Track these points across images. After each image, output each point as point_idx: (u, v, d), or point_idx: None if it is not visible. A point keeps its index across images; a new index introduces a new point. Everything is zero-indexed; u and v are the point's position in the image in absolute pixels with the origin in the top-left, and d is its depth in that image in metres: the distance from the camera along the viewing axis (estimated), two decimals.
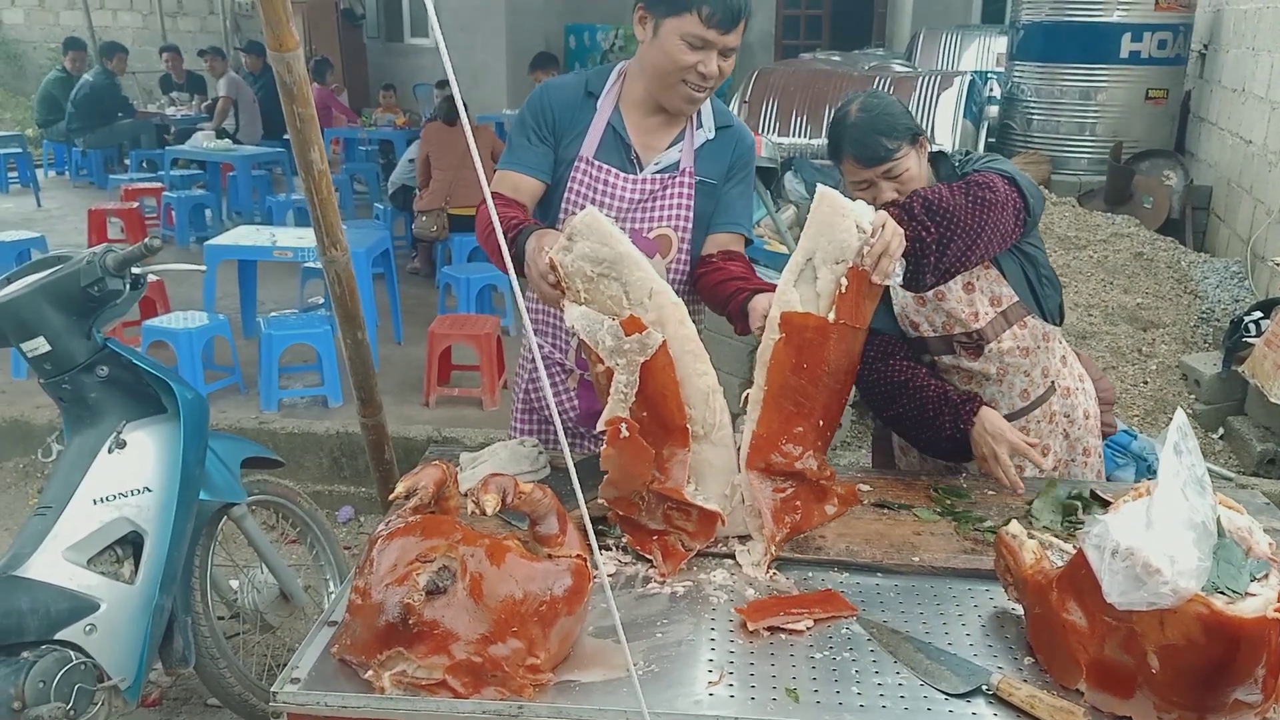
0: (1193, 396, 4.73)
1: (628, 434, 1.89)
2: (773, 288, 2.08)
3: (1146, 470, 3.93)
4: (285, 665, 1.65)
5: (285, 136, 9.94)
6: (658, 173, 2.32)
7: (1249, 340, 4.53)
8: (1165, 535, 1.46)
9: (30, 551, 2.40)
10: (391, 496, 1.65)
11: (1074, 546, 1.97)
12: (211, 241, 5.90)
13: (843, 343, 1.92)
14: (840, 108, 2.29)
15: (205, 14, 16.60)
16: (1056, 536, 2.00)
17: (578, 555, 1.69)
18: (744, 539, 2.00)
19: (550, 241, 1.99)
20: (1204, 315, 5.26)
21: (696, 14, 2.10)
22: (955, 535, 2.05)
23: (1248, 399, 4.67)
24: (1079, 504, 2.12)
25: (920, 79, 7.38)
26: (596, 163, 2.28)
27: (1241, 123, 6.11)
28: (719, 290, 2.24)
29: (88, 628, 2.40)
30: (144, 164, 10.75)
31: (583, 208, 2.26)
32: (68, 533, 2.43)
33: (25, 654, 2.33)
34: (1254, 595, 1.44)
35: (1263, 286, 5.46)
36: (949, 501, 2.19)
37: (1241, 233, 5.95)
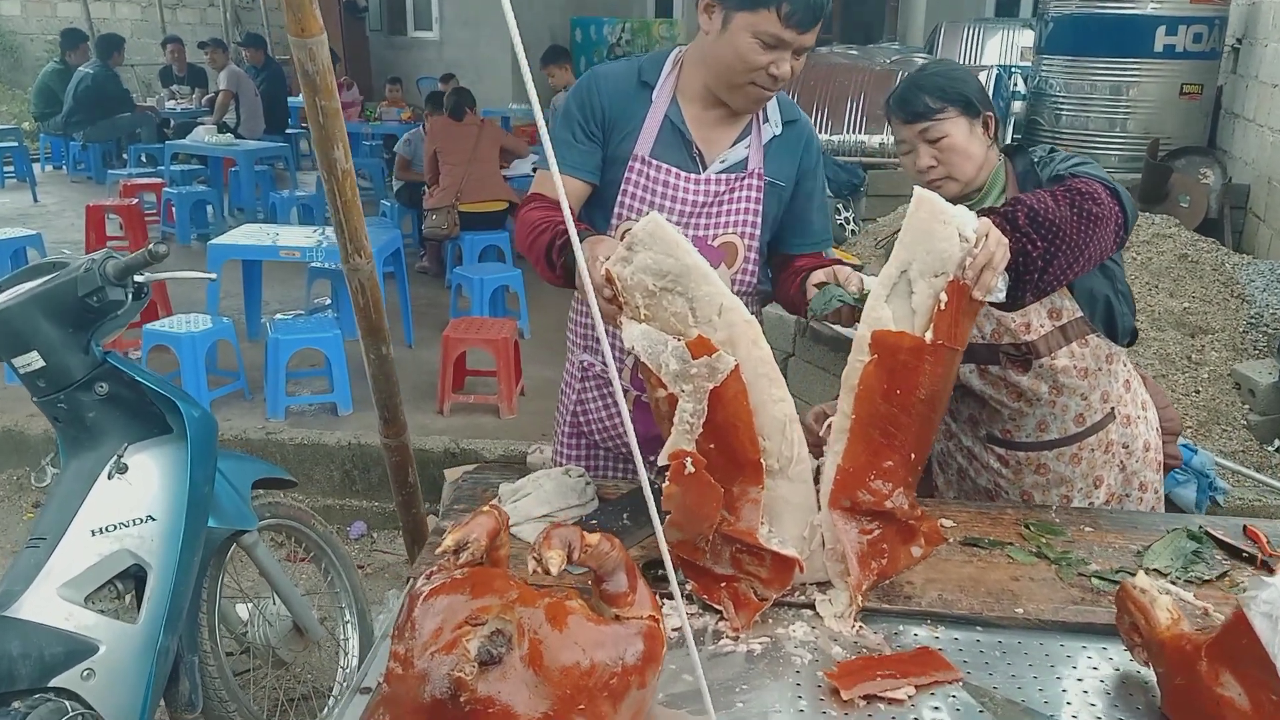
0: (1247, 407, 4.50)
1: (693, 469, 1.67)
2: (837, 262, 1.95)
3: (1209, 487, 3.72)
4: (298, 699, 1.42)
5: (287, 131, 9.76)
6: (723, 172, 2.09)
7: None
8: None
9: (22, 589, 2.17)
10: (439, 550, 1.42)
11: (1189, 594, 1.79)
12: (215, 241, 5.68)
13: (940, 366, 1.69)
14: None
15: (205, 6, 16.38)
16: (1174, 583, 1.79)
17: (650, 616, 1.47)
18: (823, 586, 1.78)
19: (606, 250, 1.77)
20: (1252, 320, 5.03)
21: (775, 11, 1.88)
22: (1059, 581, 1.83)
23: None
24: (1199, 545, 1.89)
25: None
26: (654, 162, 2.06)
27: None
28: (797, 293, 2.05)
29: (85, 673, 2.18)
30: (143, 159, 10.52)
31: (639, 212, 2.05)
32: (63, 568, 2.20)
33: (17, 704, 2.10)
34: None
35: None
36: (1044, 539, 1.97)
37: None
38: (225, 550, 2.59)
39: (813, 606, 1.75)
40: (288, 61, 15.77)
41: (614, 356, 2.22)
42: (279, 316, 6.31)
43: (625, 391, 2.23)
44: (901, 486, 1.74)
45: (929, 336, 1.65)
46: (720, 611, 1.73)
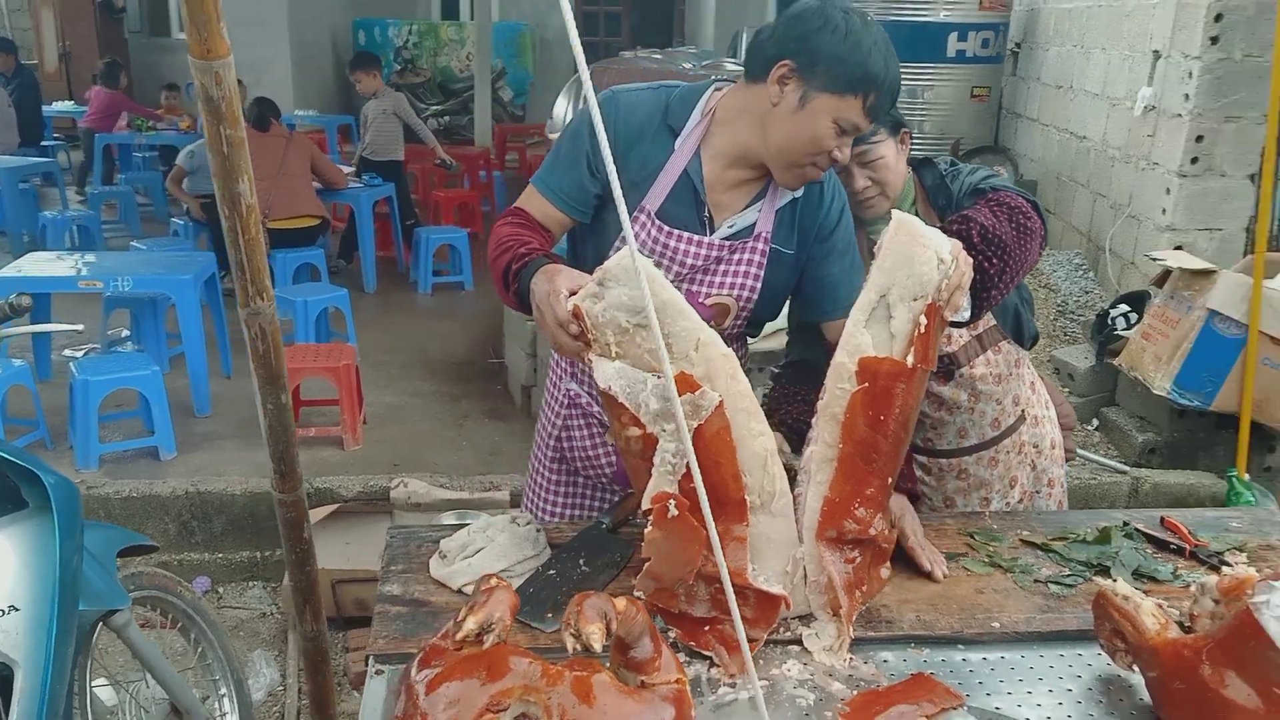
0: (1067, 390, 4.82)
1: (677, 512, 1.59)
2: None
3: None
4: None
5: (44, 144, 8.85)
6: (729, 238, 1.95)
7: (1120, 334, 4.65)
8: None
9: None
10: (460, 637, 1.27)
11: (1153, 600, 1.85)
12: (2, 273, 5.08)
13: (918, 388, 1.68)
14: None
15: None
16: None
17: (677, 680, 1.37)
18: (805, 619, 1.74)
19: (567, 282, 1.66)
20: (1060, 307, 5.40)
21: (862, 99, 1.76)
22: (1020, 590, 1.86)
23: (1118, 390, 4.81)
24: (1136, 544, 1.97)
25: None
26: (660, 224, 1.91)
27: (1071, 119, 6.35)
28: None
29: None
30: None
31: None
32: None
33: None
34: None
35: (1103, 277, 5.68)
36: (991, 548, 2.01)
37: (1079, 225, 6.18)
38: (93, 632, 2.29)
39: (799, 642, 1.70)
40: (38, 66, 14.44)
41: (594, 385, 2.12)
42: (73, 353, 5.74)
43: (606, 426, 2.13)
44: (881, 511, 1.72)
45: (910, 360, 1.64)
46: (709, 657, 1.65)
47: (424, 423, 5.03)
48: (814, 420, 1.71)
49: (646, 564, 1.64)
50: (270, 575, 3.89)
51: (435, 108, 15.63)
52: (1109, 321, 4.76)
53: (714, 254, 1.94)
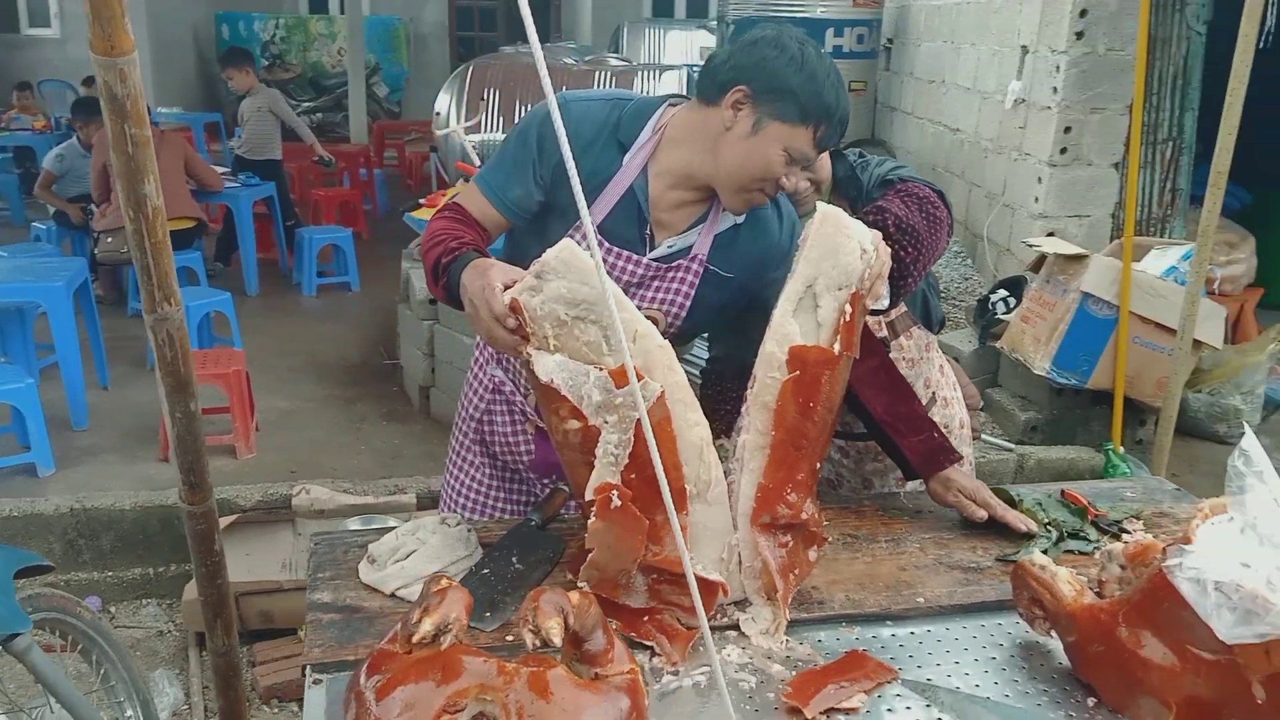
0: None
1: (620, 503, 1.60)
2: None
3: None
4: None
5: None
6: (663, 258, 1.96)
7: (1001, 317, 4.86)
8: (1274, 562, 1.40)
9: None
10: (416, 639, 1.26)
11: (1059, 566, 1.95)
12: None
13: (842, 375, 1.73)
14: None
15: None
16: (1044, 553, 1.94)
17: (630, 669, 1.39)
18: (740, 604, 1.77)
19: (500, 275, 1.65)
20: (942, 294, 5.60)
21: (813, 130, 1.80)
22: (940, 566, 1.94)
23: (1001, 371, 5.02)
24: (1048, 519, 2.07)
25: (639, 72, 7.38)
26: (599, 238, 1.92)
27: (945, 112, 6.58)
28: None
29: None
30: None
31: None
32: None
33: None
34: None
35: (982, 264, 5.91)
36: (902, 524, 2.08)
37: (957, 215, 6.40)
38: None
39: (737, 627, 1.73)
40: None
41: (518, 374, 2.12)
42: None
43: (527, 416, 2.14)
44: (810, 495, 1.76)
45: (837, 348, 1.68)
46: (650, 647, 1.67)
47: (319, 428, 4.92)
48: (744, 409, 1.75)
49: (590, 555, 1.65)
50: (165, 592, 3.76)
51: (307, 104, 15.25)
52: (989, 306, 4.96)
53: (648, 273, 1.96)
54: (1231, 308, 5.30)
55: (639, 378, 1.58)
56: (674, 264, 1.97)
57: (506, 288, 1.62)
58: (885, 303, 1.82)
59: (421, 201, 5.69)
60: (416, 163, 11.09)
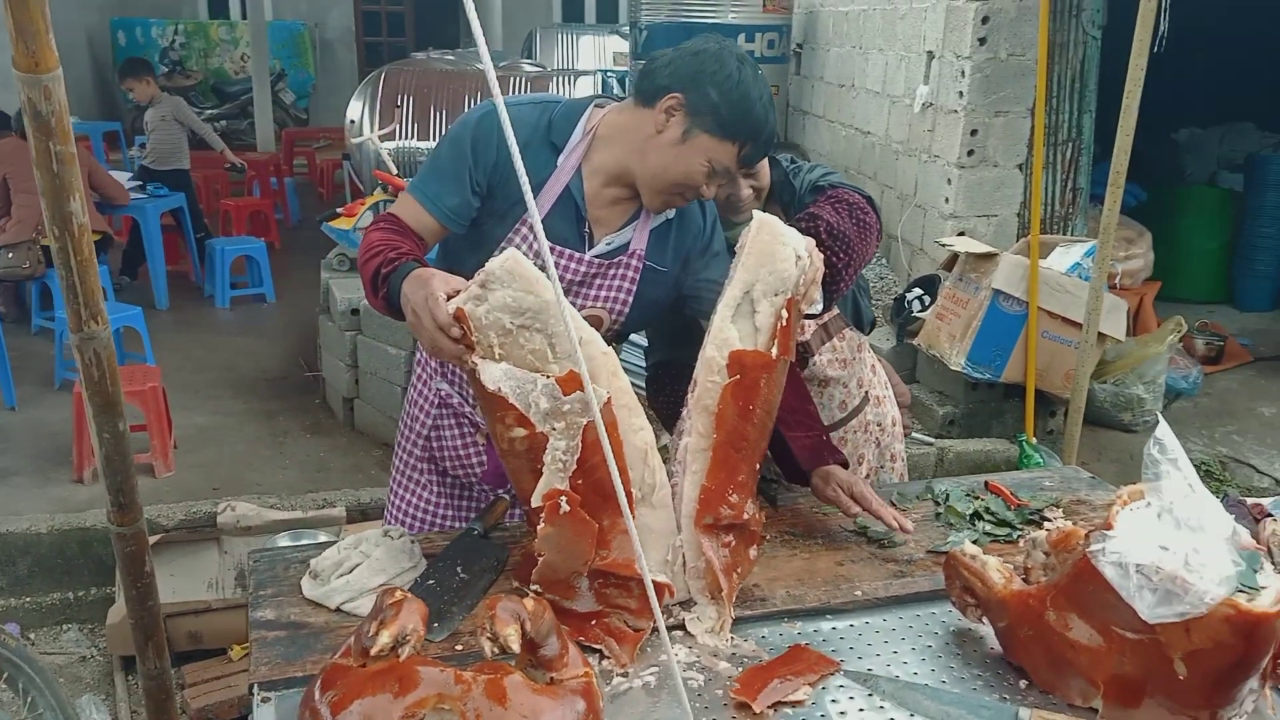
0: None
1: (569, 508, 1.63)
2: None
3: None
4: None
5: None
6: (604, 255, 2.01)
7: (917, 315, 4.99)
8: (1190, 544, 1.48)
9: None
10: (375, 652, 1.26)
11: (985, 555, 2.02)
12: None
13: (779, 378, 1.79)
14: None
15: None
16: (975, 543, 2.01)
17: (585, 672, 1.41)
18: (685, 604, 1.81)
19: (442, 285, 1.66)
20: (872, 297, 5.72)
21: (739, 147, 1.86)
22: (875, 559, 2.00)
23: (918, 368, 5.16)
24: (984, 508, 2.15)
25: (553, 78, 7.40)
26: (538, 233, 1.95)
27: (855, 115, 6.73)
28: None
29: None
30: None
31: None
32: None
33: None
34: (1265, 588, 1.50)
35: (896, 263, 6.06)
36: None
37: None
38: None
39: (683, 626, 1.77)
40: None
41: (464, 385, 2.12)
42: None
43: (478, 426, 2.14)
44: (750, 496, 1.81)
45: (774, 352, 1.73)
46: (599, 650, 1.70)
47: (241, 443, 4.82)
48: (685, 413, 1.78)
49: (541, 559, 1.67)
50: (86, 616, 3.65)
51: (211, 111, 14.86)
52: (905, 305, 5.09)
53: (590, 270, 2.00)
54: (1132, 301, 5.53)
55: (581, 385, 1.62)
56: (615, 260, 2.01)
57: (450, 297, 1.64)
58: (819, 307, 1.88)
59: (339, 211, 5.61)
60: (328, 170, 10.93)
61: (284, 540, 3.35)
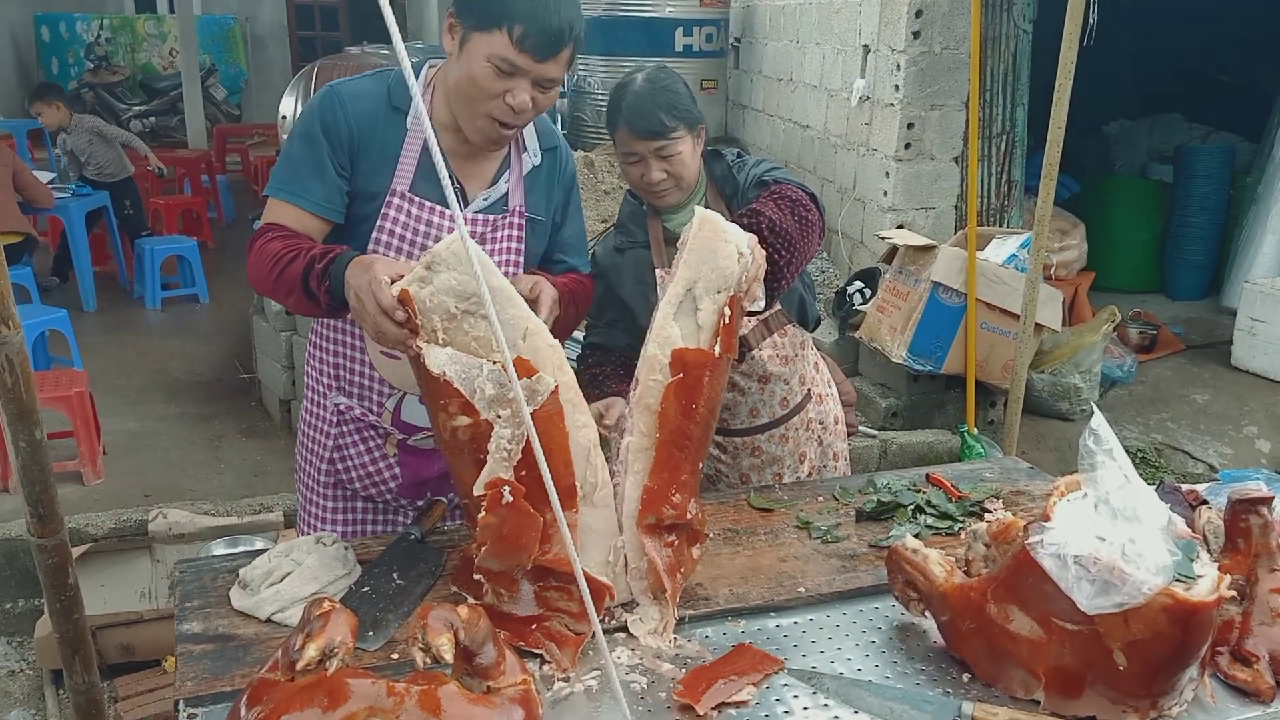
0: None
1: (512, 498, 1.59)
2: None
3: None
4: None
5: None
6: (484, 211, 1.97)
7: (858, 308, 5.02)
8: (1127, 534, 1.49)
9: None
10: (301, 666, 1.22)
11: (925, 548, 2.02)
12: None
13: (722, 375, 1.77)
14: (625, 77, 2.19)
15: None
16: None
17: (523, 680, 1.38)
18: (628, 606, 1.78)
19: (385, 270, 1.62)
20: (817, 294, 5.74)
21: (507, 33, 1.74)
22: (818, 555, 1.99)
23: (860, 360, 5.19)
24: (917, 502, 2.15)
25: None
26: (415, 198, 1.89)
27: (794, 109, 6.75)
28: None
29: None
30: None
31: (399, 250, 1.91)
32: None
33: None
34: (1202, 576, 1.51)
35: (837, 256, 6.09)
36: (801, 514, 2.14)
37: None
38: None
39: (625, 629, 1.74)
40: None
41: (364, 394, 2.06)
42: None
43: (388, 435, 2.06)
44: (693, 495, 1.79)
45: (717, 349, 1.71)
46: (540, 655, 1.66)
47: (174, 448, 4.70)
48: (626, 412, 1.76)
49: (483, 550, 1.63)
50: (13, 629, 3.53)
51: (139, 108, 14.54)
52: (846, 298, 5.12)
53: (476, 230, 1.95)
54: (1067, 292, 5.61)
55: (531, 373, 1.59)
56: (498, 219, 1.97)
57: (394, 281, 1.59)
58: (761, 304, 1.87)
59: None
60: (262, 167, 10.71)
61: (219, 548, 3.27)
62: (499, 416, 1.57)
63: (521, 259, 2.01)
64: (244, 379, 5.53)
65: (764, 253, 1.79)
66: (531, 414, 1.56)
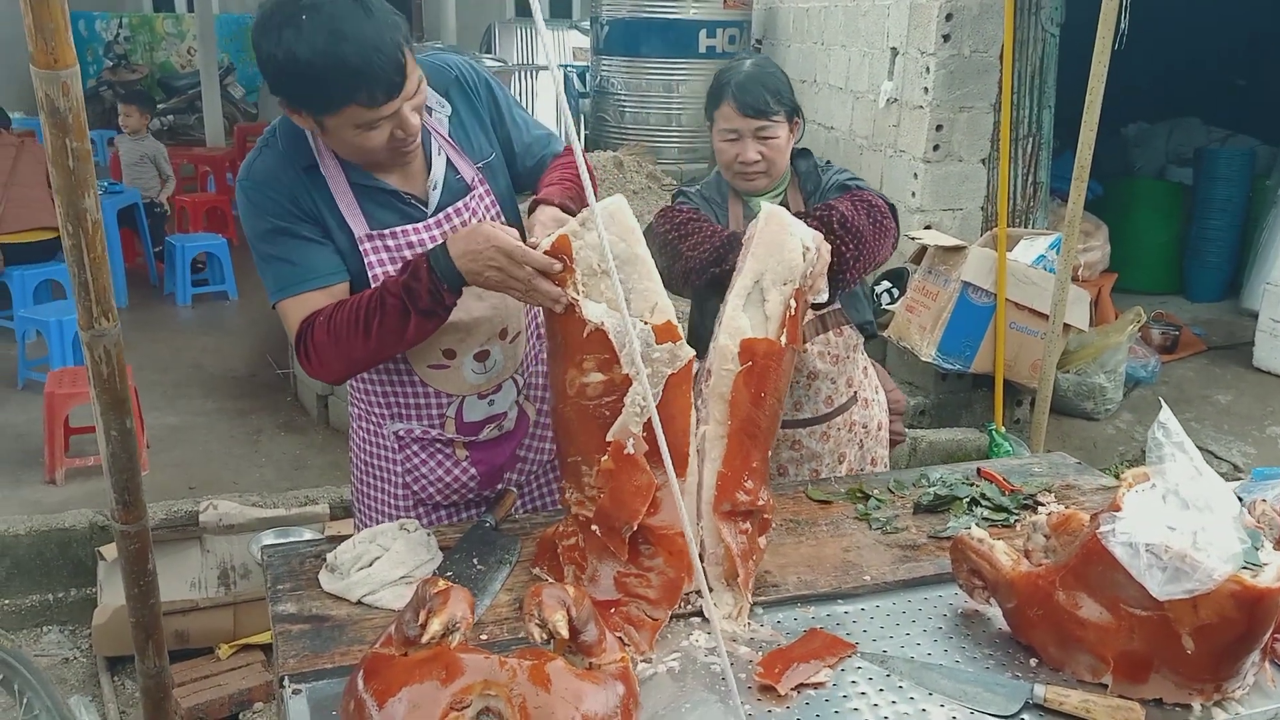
0: None
1: (633, 450, 1.67)
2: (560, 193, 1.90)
3: None
4: None
5: None
6: (448, 203, 1.95)
7: (887, 308, 5.07)
8: (1197, 524, 1.55)
9: None
10: (427, 639, 1.29)
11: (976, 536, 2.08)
12: None
13: (788, 365, 1.83)
14: (732, 61, 2.29)
15: None
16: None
17: (622, 657, 1.45)
18: (699, 591, 1.84)
19: (509, 233, 1.68)
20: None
21: (354, 106, 1.69)
22: (880, 545, 2.05)
23: (889, 359, 5.24)
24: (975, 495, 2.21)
25: (515, 73, 7.39)
26: (381, 233, 1.88)
27: (818, 110, 6.80)
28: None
29: None
30: None
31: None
32: None
33: None
34: (1268, 564, 1.57)
35: None
36: (859, 505, 2.20)
37: None
38: None
39: (700, 614, 1.80)
40: None
41: (423, 411, 2.07)
42: None
43: (452, 441, 2.10)
44: (764, 482, 1.85)
45: (783, 340, 1.78)
46: (620, 638, 1.72)
47: (214, 442, 4.77)
48: (700, 401, 1.82)
49: (599, 500, 1.71)
50: (67, 617, 3.61)
51: (158, 106, 14.63)
52: (875, 297, 5.17)
53: (448, 226, 1.93)
54: (1090, 292, 5.66)
55: (677, 337, 1.67)
56: (463, 204, 1.95)
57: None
58: (825, 297, 1.93)
59: None
60: None
61: (269, 538, 3.33)
62: (637, 374, 1.63)
63: (502, 215, 2.00)
64: (280, 374, 5.60)
65: (829, 248, 1.85)
66: (669, 377, 1.64)
